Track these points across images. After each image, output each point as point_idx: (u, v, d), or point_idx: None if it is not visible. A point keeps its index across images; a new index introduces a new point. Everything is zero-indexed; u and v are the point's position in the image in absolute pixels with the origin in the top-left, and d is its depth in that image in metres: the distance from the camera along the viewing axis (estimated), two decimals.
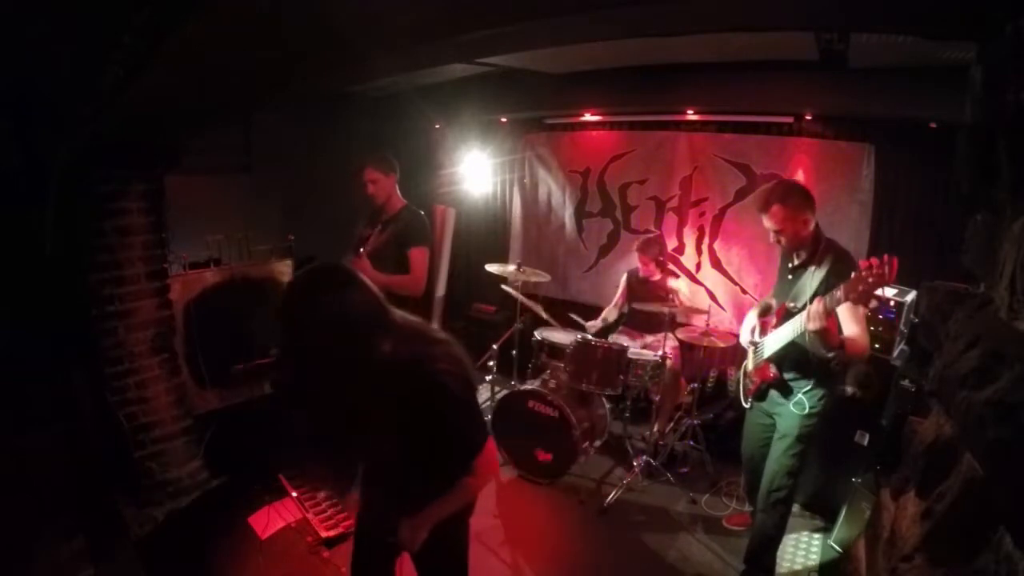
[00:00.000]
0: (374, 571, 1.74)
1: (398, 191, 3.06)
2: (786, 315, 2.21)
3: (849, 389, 2.85)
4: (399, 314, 1.41)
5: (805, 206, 2.12)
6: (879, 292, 2.82)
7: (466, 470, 1.45)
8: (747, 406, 2.52)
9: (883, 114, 3.15)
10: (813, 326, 1.91)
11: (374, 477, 1.72)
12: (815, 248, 2.17)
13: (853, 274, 1.83)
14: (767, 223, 2.18)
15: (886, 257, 1.73)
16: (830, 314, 1.90)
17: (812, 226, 2.16)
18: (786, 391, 2.27)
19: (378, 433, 1.41)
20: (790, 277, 2.28)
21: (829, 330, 1.91)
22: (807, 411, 2.20)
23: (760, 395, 2.41)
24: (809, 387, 2.20)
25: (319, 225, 4.33)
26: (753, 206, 2.26)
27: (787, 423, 2.26)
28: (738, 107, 3.61)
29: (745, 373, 2.52)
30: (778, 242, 2.21)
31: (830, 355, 1.98)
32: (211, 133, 3.62)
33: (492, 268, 3.92)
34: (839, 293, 1.87)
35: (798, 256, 2.24)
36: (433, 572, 1.67)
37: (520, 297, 3.72)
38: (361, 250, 2.93)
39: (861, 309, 2.07)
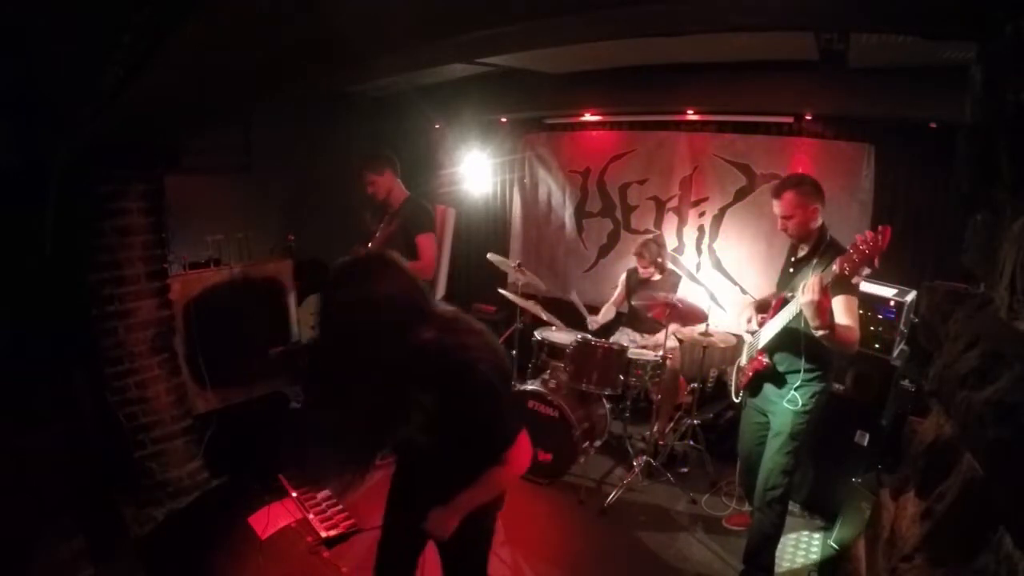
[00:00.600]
0: (399, 560, 1.75)
1: (399, 185, 3.13)
2: (784, 305, 2.24)
3: (839, 386, 2.84)
4: (438, 304, 1.45)
5: (815, 196, 2.19)
6: (880, 292, 2.85)
7: (497, 460, 1.46)
8: (737, 400, 2.54)
9: (883, 114, 3.15)
10: (807, 298, 1.95)
11: (406, 465, 1.73)
12: (819, 244, 2.22)
13: (849, 247, 1.91)
14: (778, 209, 2.23)
15: (879, 228, 1.82)
16: (825, 288, 1.94)
17: (820, 220, 2.22)
18: (779, 383, 2.29)
19: (412, 419, 1.41)
20: (792, 270, 2.34)
21: (822, 304, 1.94)
22: (800, 408, 2.22)
23: (753, 389, 2.42)
24: (801, 381, 2.22)
25: (319, 225, 4.33)
26: (769, 194, 2.32)
27: (780, 421, 2.28)
28: (738, 107, 3.61)
29: (739, 368, 2.54)
30: (785, 230, 2.25)
31: (820, 333, 2.01)
32: (211, 133, 3.62)
33: (493, 258, 3.91)
34: (835, 266, 1.94)
35: (802, 249, 2.29)
36: (457, 563, 1.68)
37: (518, 300, 3.71)
38: (369, 244, 2.98)
39: (855, 304, 2.11)
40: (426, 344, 1.32)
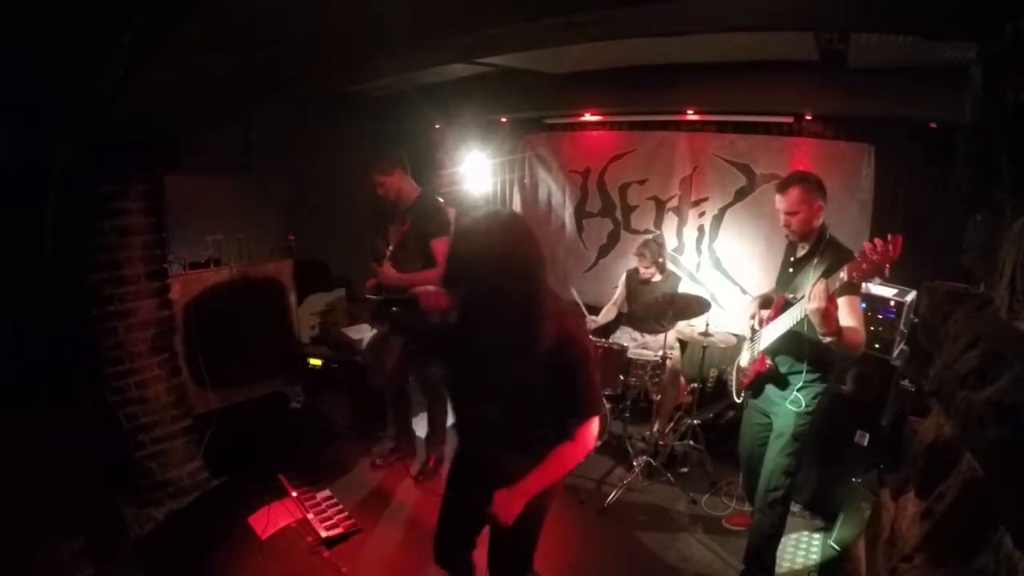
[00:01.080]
0: (461, 537, 1.82)
1: (409, 182, 3.01)
2: (785, 306, 2.23)
3: (847, 388, 2.85)
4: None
5: (820, 193, 2.18)
6: (880, 292, 2.85)
7: (570, 436, 1.52)
8: (739, 400, 2.53)
9: (883, 114, 3.15)
10: (814, 305, 1.91)
11: (472, 444, 1.76)
12: (819, 242, 2.20)
13: (857, 254, 1.86)
14: (783, 205, 2.20)
15: (890, 237, 1.78)
16: (832, 296, 1.91)
17: (821, 218, 2.20)
18: (782, 385, 2.28)
19: (518, 369, 1.48)
20: (791, 270, 2.31)
21: (829, 311, 1.91)
22: (802, 409, 2.21)
23: (755, 390, 2.41)
24: (804, 382, 2.21)
25: (319, 225, 4.34)
26: (769, 194, 2.29)
27: (783, 422, 2.27)
28: (738, 107, 3.61)
29: (739, 368, 2.53)
30: (788, 227, 2.22)
31: (827, 340, 1.99)
32: (211, 133, 3.62)
33: None
34: (843, 273, 1.90)
35: (802, 248, 2.27)
36: (509, 543, 1.73)
37: None
38: (386, 258, 2.91)
39: (859, 304, 2.09)
40: (550, 306, 1.45)
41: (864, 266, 1.83)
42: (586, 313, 3.78)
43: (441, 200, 3.05)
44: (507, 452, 1.57)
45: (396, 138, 4.50)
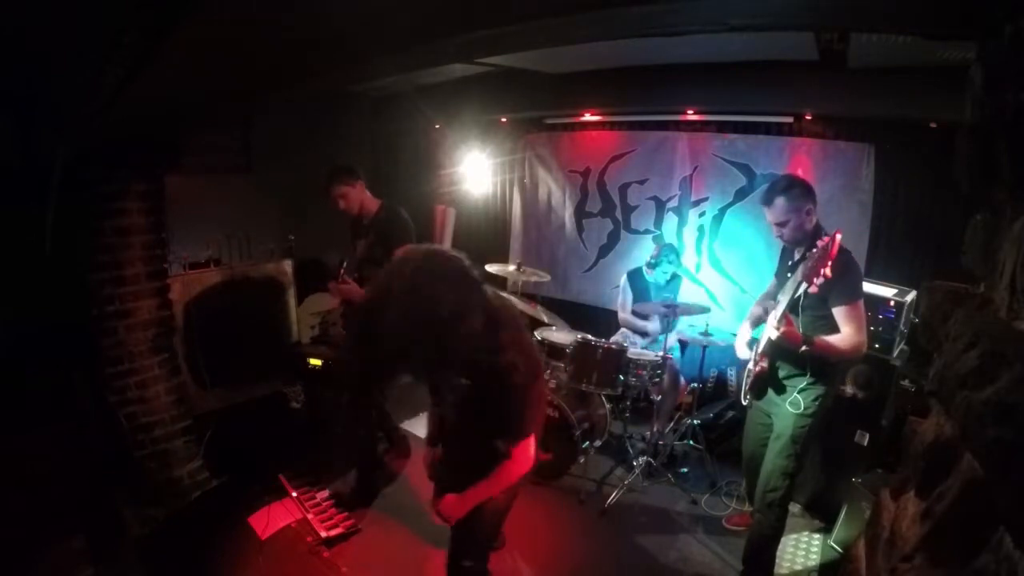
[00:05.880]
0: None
1: (368, 194, 3.00)
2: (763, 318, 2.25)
3: (849, 389, 2.85)
4: (492, 295, 1.55)
5: (808, 197, 2.15)
6: (880, 292, 2.85)
7: (506, 454, 1.61)
8: (745, 403, 2.53)
9: (883, 114, 3.15)
10: (774, 334, 2.04)
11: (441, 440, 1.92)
12: (812, 246, 2.18)
13: (808, 255, 1.98)
14: (770, 216, 2.19)
15: (828, 234, 1.90)
16: (786, 318, 2.04)
17: (814, 220, 2.18)
18: (781, 388, 2.28)
19: (445, 398, 1.66)
20: (789, 275, 2.30)
21: (788, 335, 2.04)
22: (802, 410, 2.20)
23: (759, 392, 2.40)
24: (804, 385, 2.21)
25: (319, 225, 4.33)
26: (758, 201, 2.31)
27: (782, 423, 2.26)
28: (738, 107, 3.61)
29: (747, 371, 2.53)
30: (780, 237, 2.22)
31: (801, 350, 2.06)
32: (211, 133, 3.63)
33: (492, 268, 3.92)
34: (804, 281, 2.00)
35: (797, 252, 2.26)
36: (464, 532, 1.84)
37: (519, 304, 3.71)
38: (340, 277, 2.89)
39: (857, 310, 2.08)
40: (476, 337, 1.42)
41: (809, 264, 1.89)
42: (546, 319, 3.79)
43: (403, 210, 2.96)
44: (459, 453, 1.73)
45: (396, 138, 4.51)
